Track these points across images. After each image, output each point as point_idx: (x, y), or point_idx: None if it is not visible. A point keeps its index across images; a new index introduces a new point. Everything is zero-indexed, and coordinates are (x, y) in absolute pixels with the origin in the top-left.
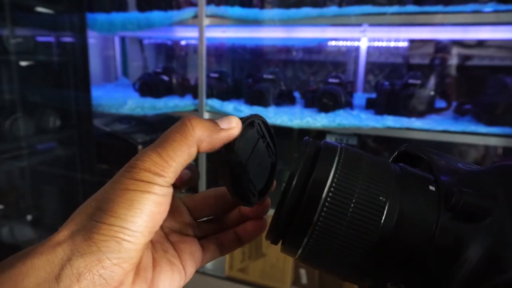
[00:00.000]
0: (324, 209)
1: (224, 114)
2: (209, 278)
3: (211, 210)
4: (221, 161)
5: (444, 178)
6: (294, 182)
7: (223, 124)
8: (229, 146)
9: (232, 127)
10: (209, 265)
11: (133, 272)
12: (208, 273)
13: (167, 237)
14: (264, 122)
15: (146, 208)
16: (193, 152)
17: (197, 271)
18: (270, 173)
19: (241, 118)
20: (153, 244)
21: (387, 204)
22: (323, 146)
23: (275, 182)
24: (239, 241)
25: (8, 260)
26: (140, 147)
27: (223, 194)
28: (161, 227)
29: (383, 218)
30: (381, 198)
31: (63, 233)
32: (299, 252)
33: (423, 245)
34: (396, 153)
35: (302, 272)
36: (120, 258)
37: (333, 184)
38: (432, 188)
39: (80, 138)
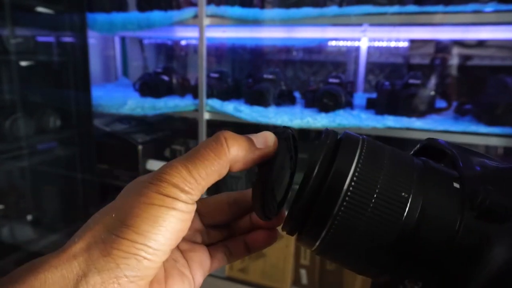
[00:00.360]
0: (345, 202)
1: (225, 114)
2: (209, 278)
3: (223, 216)
4: (255, 179)
5: (469, 175)
6: (314, 172)
7: (259, 142)
8: (264, 165)
9: (269, 146)
10: None
11: (148, 287)
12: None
13: (177, 245)
14: (293, 135)
15: (170, 225)
16: (224, 172)
17: None
18: (288, 184)
19: (274, 132)
20: None
21: (409, 200)
22: (345, 137)
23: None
24: (247, 249)
25: (19, 272)
26: (140, 147)
27: (236, 200)
28: None
29: (405, 214)
30: (403, 194)
31: (79, 245)
32: (317, 244)
33: (445, 244)
34: (418, 146)
35: (303, 272)
36: (137, 276)
37: (355, 177)
38: (456, 185)
39: (80, 138)
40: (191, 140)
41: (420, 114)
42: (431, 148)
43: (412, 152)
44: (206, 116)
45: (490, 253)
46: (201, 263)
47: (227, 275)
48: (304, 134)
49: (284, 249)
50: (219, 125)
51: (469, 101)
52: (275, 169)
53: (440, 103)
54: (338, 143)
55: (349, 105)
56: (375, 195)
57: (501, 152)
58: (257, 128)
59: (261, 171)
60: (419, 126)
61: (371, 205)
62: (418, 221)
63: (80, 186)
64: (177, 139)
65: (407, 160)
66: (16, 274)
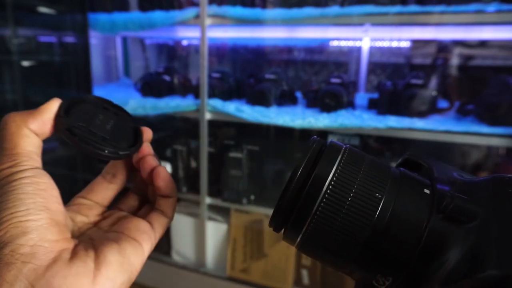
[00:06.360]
0: (322, 203)
1: (226, 114)
2: (210, 279)
3: (110, 191)
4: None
5: (440, 183)
6: (297, 175)
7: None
8: (60, 114)
9: (48, 103)
10: (210, 265)
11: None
12: (209, 273)
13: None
14: (104, 101)
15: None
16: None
17: (198, 271)
18: (135, 133)
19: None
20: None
21: (382, 201)
22: (329, 145)
23: (146, 135)
24: (163, 197)
25: None
26: None
27: (109, 173)
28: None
29: (377, 214)
30: (377, 194)
31: None
32: (298, 240)
33: (411, 244)
34: (400, 159)
35: (304, 272)
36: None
37: (333, 181)
38: (426, 191)
39: None
40: (193, 140)
41: (422, 114)
42: (411, 161)
43: (396, 164)
44: (208, 116)
45: (447, 253)
46: (139, 229)
47: (228, 275)
48: (306, 134)
49: (285, 250)
50: (220, 125)
51: (471, 101)
52: (78, 119)
53: (442, 103)
54: (323, 150)
55: (351, 105)
56: (350, 197)
57: (503, 153)
58: (258, 128)
59: (60, 120)
60: (421, 127)
61: (346, 206)
62: (389, 221)
63: (81, 186)
64: (178, 139)
65: (384, 168)
66: None
